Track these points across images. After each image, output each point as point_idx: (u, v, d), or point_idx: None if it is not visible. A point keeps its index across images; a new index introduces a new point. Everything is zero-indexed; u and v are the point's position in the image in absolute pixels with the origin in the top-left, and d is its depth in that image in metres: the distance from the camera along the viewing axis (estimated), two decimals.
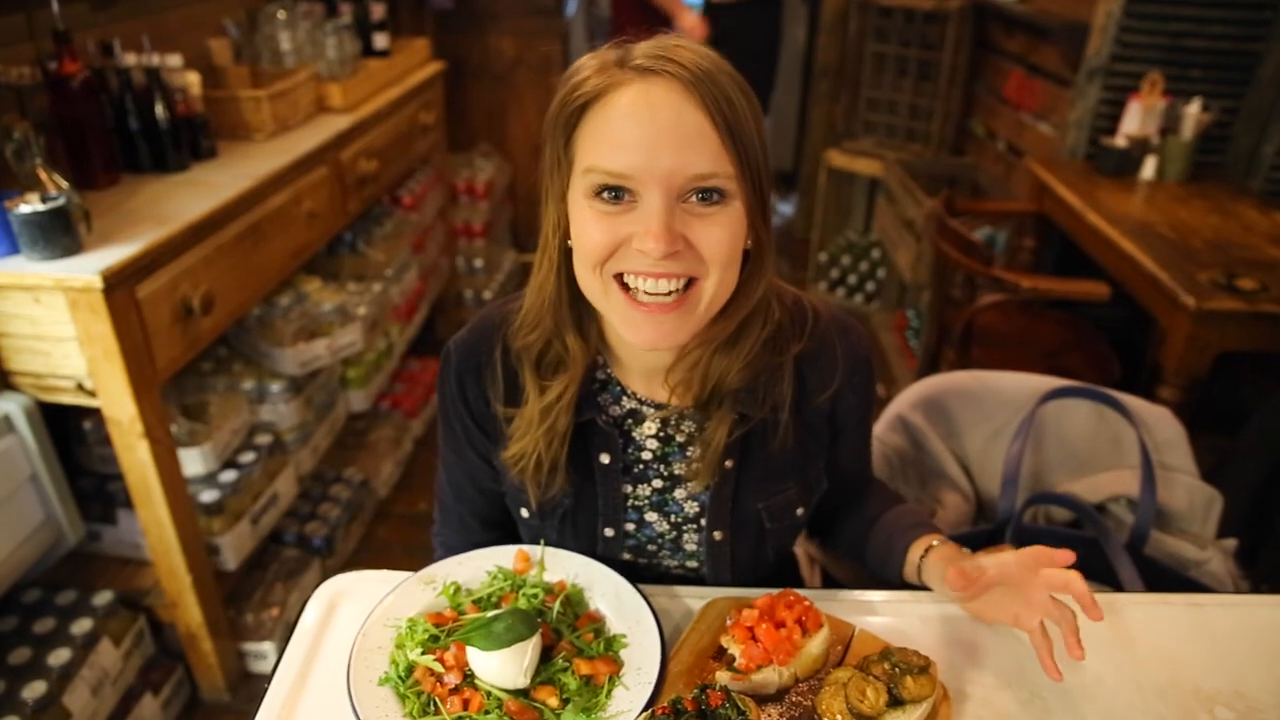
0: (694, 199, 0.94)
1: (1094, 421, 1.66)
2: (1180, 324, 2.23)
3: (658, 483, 1.17)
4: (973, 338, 2.78)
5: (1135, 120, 2.98)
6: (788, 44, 5.76)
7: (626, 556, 1.21)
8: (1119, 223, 2.59)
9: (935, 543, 1.15)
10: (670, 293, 0.97)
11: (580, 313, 1.08)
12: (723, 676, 0.99)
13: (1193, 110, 2.89)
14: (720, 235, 0.95)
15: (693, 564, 1.22)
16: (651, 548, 1.21)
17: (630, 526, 1.19)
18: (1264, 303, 2.16)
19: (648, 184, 0.92)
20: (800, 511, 1.21)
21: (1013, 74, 3.73)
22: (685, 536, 1.20)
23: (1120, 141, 3.01)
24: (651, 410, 1.14)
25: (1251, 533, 1.92)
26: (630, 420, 1.15)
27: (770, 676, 0.99)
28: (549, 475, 1.13)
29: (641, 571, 1.23)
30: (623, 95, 0.92)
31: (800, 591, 1.07)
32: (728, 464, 1.13)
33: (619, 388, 1.15)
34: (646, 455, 1.16)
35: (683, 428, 1.15)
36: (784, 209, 5.71)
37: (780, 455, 1.15)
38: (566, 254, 1.03)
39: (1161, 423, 1.62)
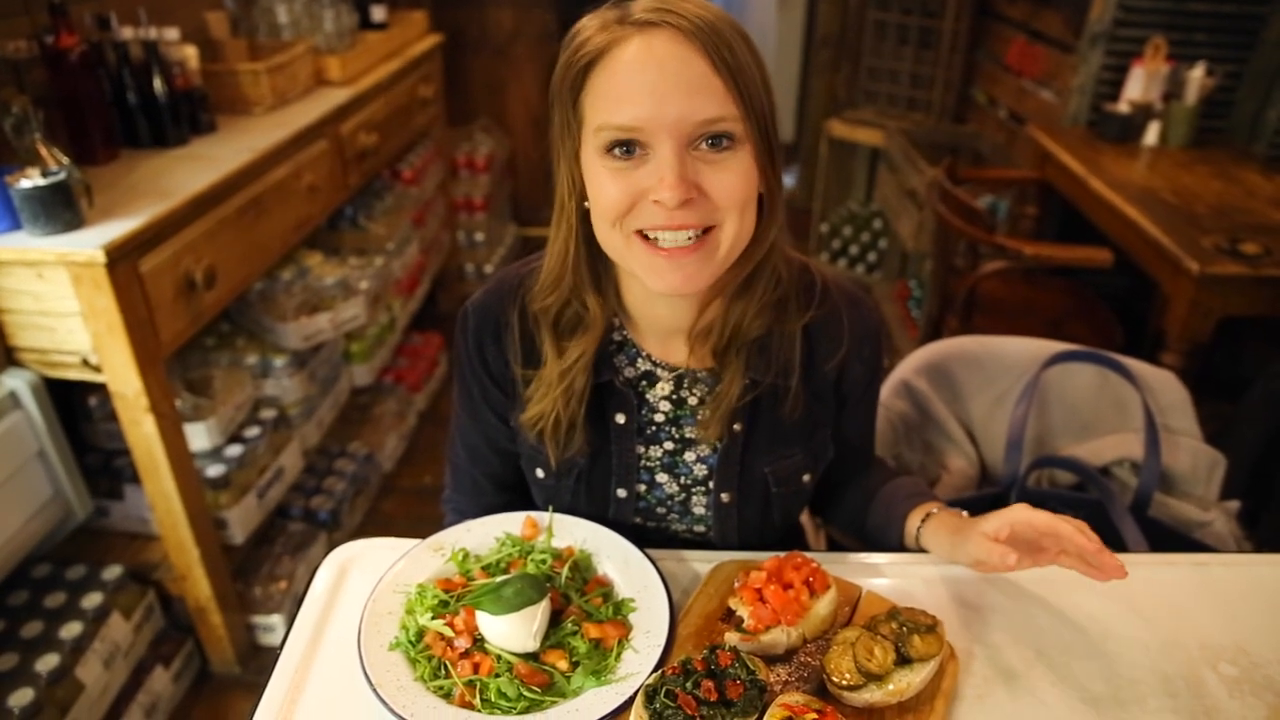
0: (704, 145, 0.94)
1: (1097, 385, 1.66)
2: (1183, 289, 2.23)
3: (669, 444, 1.18)
4: (975, 306, 2.78)
5: (1138, 86, 2.96)
6: (788, 14, 5.72)
7: (637, 520, 1.23)
8: (1122, 189, 2.58)
9: (934, 510, 1.17)
10: (690, 239, 0.97)
11: (599, 272, 1.10)
12: (732, 637, 1.00)
13: (1196, 75, 2.87)
14: (733, 180, 0.96)
15: (700, 528, 1.24)
16: (661, 510, 1.23)
17: (642, 488, 1.21)
18: (1267, 267, 2.16)
19: (658, 134, 0.92)
20: (806, 478, 1.22)
21: (1015, 40, 3.70)
22: (694, 499, 1.21)
23: (1123, 107, 2.99)
24: (666, 372, 1.16)
25: (1254, 495, 1.93)
26: (645, 382, 1.17)
27: (779, 637, 1.00)
28: (567, 434, 1.14)
29: (651, 535, 1.25)
30: (625, 50, 0.93)
31: (807, 554, 1.08)
32: (736, 427, 1.15)
33: (634, 349, 1.16)
34: (659, 417, 1.17)
35: (695, 390, 1.16)
36: (786, 180, 5.67)
37: (788, 421, 1.16)
38: (583, 214, 1.04)
39: (1165, 386, 1.62)
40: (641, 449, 1.18)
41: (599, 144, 0.96)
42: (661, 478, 1.20)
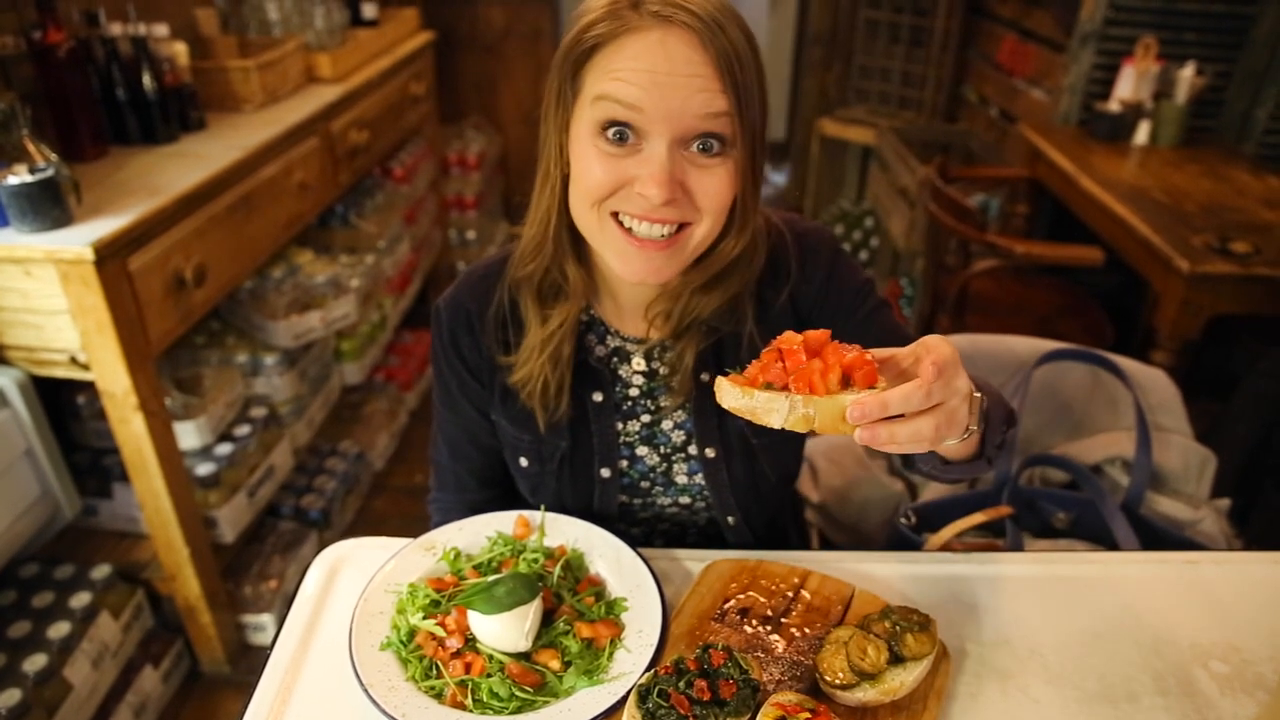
0: (695, 148, 0.96)
1: (1089, 383, 1.66)
2: (1174, 287, 2.23)
3: (645, 417, 1.20)
4: (967, 304, 2.79)
5: (1129, 85, 2.97)
6: (779, 12, 5.72)
7: (622, 498, 1.24)
8: (1112, 188, 2.59)
9: None
10: (664, 234, 0.99)
11: (578, 241, 1.10)
12: (722, 381, 0.82)
13: (1186, 74, 2.88)
14: (717, 186, 0.98)
15: (685, 499, 1.25)
16: (645, 484, 1.24)
17: (623, 464, 1.22)
18: (1257, 265, 2.17)
19: (654, 124, 0.94)
20: None
21: (1006, 39, 3.71)
22: (675, 468, 1.23)
23: (1114, 106, 3.00)
24: (635, 346, 1.18)
25: (1243, 493, 1.94)
26: (616, 358, 1.19)
27: (776, 404, 0.79)
28: (556, 397, 1.15)
29: (637, 513, 1.26)
30: (639, 37, 0.93)
31: (800, 552, 1.07)
32: (703, 377, 1.16)
33: (603, 327, 1.18)
34: (633, 391, 1.20)
35: (664, 359, 1.18)
36: (776, 179, 5.68)
37: (748, 364, 1.16)
38: (565, 183, 1.05)
39: (1156, 384, 1.63)
40: (620, 425, 1.20)
41: (595, 117, 0.96)
42: (641, 450, 1.22)
